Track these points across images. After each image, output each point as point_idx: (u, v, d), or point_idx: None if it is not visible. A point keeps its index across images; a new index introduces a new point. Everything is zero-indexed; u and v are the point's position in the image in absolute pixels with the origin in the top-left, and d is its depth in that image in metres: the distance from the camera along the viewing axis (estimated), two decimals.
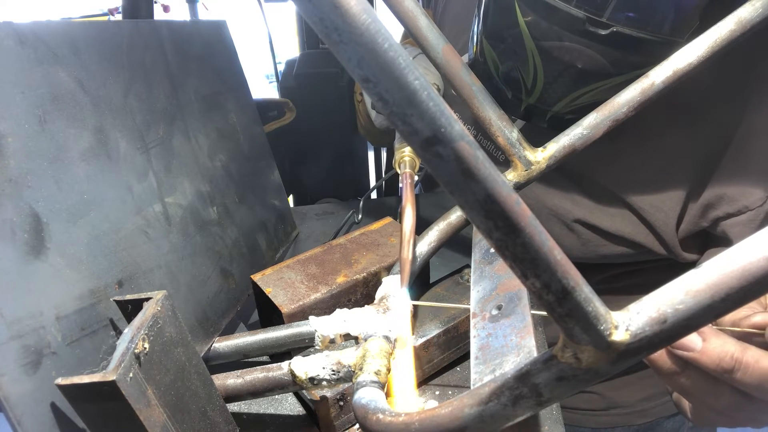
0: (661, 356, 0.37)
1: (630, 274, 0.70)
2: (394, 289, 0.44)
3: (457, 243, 0.56)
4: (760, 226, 0.55)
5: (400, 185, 0.52)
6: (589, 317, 0.19)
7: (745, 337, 0.36)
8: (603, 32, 0.45)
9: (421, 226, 0.51)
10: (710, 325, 0.36)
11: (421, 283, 0.54)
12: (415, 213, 0.47)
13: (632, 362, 0.20)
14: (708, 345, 0.34)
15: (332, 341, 0.43)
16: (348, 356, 0.38)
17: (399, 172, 0.54)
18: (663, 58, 0.45)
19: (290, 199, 1.23)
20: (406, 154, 0.55)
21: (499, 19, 0.54)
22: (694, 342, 0.35)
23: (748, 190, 0.54)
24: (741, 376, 0.34)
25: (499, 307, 0.37)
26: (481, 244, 0.46)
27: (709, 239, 0.62)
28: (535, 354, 0.31)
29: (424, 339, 0.46)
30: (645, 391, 0.76)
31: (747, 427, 0.40)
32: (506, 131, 0.48)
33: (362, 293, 0.53)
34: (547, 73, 0.52)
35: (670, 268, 0.63)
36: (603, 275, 0.71)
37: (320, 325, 0.43)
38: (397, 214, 0.61)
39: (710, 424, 0.40)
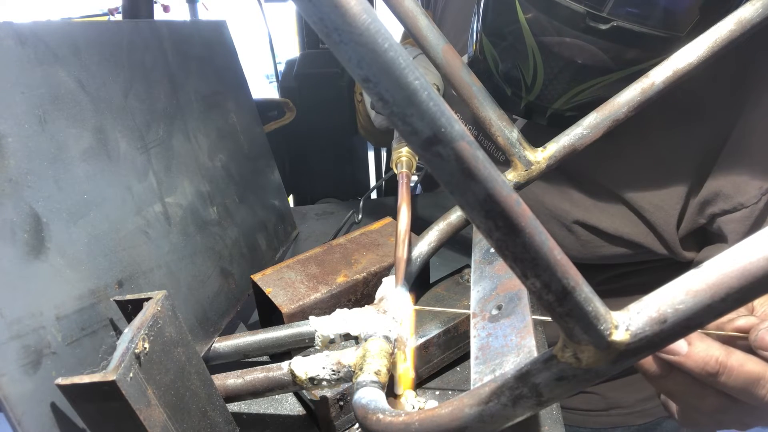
0: (646, 359, 0.37)
1: (630, 274, 0.70)
2: (392, 289, 0.44)
3: (457, 243, 0.56)
4: (755, 224, 0.55)
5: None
6: (589, 317, 0.19)
7: (729, 341, 0.36)
8: (603, 27, 0.46)
9: (421, 226, 0.51)
10: None
11: (421, 283, 0.54)
12: (410, 213, 0.47)
13: (632, 362, 0.20)
14: (693, 349, 0.34)
15: (332, 341, 0.43)
16: (348, 356, 0.38)
17: (396, 172, 0.54)
18: (663, 52, 0.45)
19: (290, 199, 1.23)
20: (403, 154, 0.55)
21: (499, 16, 0.54)
22: (679, 346, 0.35)
23: (744, 187, 0.55)
24: (725, 379, 0.34)
25: (499, 307, 0.37)
26: (481, 244, 0.46)
27: (706, 236, 0.63)
28: (535, 354, 0.31)
29: (424, 339, 0.46)
30: (645, 392, 0.76)
31: (734, 430, 0.40)
32: (506, 131, 0.48)
33: (362, 293, 0.53)
34: (547, 70, 0.52)
35: (670, 267, 0.63)
36: (603, 276, 0.70)
37: (320, 325, 0.43)
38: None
39: (697, 426, 0.40)
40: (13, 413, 0.28)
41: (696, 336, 0.35)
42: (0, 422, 0.29)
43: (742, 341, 0.36)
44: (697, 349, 0.34)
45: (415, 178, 1.09)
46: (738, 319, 0.37)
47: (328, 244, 0.57)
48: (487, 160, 0.16)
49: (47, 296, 0.33)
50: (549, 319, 0.20)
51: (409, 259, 0.47)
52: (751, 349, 0.35)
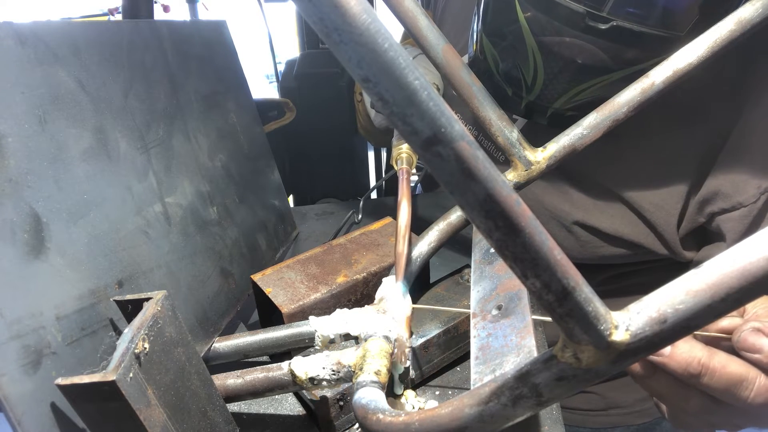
0: None
1: (630, 274, 0.70)
2: (392, 289, 0.44)
3: (457, 243, 0.56)
4: (753, 223, 0.55)
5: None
6: (589, 317, 0.19)
7: (713, 342, 0.36)
8: (603, 27, 0.46)
9: (421, 226, 0.51)
10: None
11: (421, 283, 0.54)
12: (410, 208, 0.47)
13: (632, 362, 0.20)
14: (676, 350, 0.34)
15: (332, 341, 0.43)
16: (348, 356, 0.38)
17: (396, 168, 0.54)
18: (663, 52, 0.45)
19: (290, 199, 1.23)
20: (403, 150, 0.55)
21: (499, 16, 0.54)
22: None
23: (743, 186, 0.55)
24: (708, 380, 0.34)
25: (499, 307, 0.37)
26: (481, 244, 0.46)
27: (706, 236, 0.63)
28: (535, 354, 0.31)
29: (424, 339, 0.46)
30: (643, 392, 0.76)
31: (724, 431, 0.40)
32: (506, 131, 0.48)
33: (362, 293, 0.53)
34: (548, 70, 0.52)
35: (670, 267, 0.63)
36: (603, 276, 0.70)
37: (320, 325, 0.43)
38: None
39: (687, 427, 0.40)
40: (13, 413, 0.28)
41: None
42: (0, 422, 0.29)
43: (725, 342, 0.36)
44: (679, 350, 0.34)
45: (415, 178, 1.09)
46: (722, 320, 0.36)
47: (328, 244, 0.57)
48: (487, 160, 0.16)
49: (47, 296, 0.33)
50: (549, 319, 0.20)
51: (409, 258, 0.47)
52: (734, 350, 0.35)
